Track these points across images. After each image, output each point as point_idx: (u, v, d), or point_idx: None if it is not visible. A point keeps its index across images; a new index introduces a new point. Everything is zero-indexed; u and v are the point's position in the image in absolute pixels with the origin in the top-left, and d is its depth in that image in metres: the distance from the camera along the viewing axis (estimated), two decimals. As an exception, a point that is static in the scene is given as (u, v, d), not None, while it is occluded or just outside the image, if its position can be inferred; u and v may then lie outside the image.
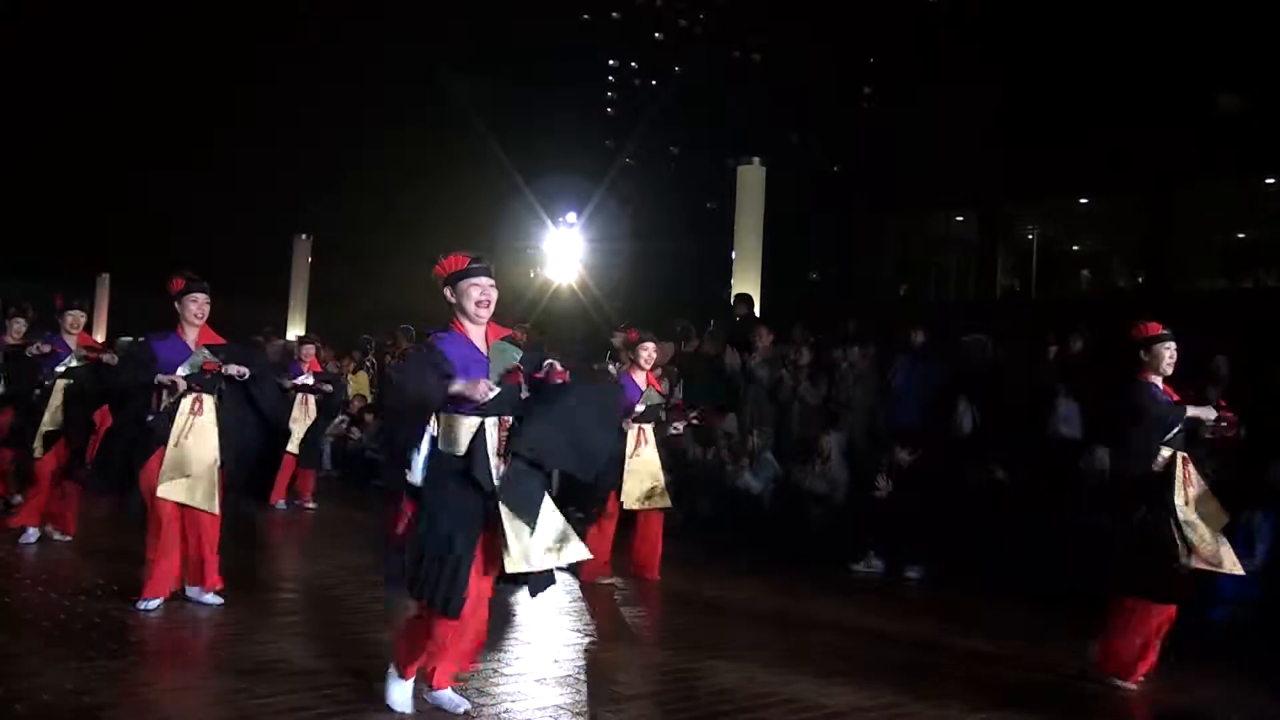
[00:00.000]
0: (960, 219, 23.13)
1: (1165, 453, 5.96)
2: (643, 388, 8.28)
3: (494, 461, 4.56)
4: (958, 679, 6.02)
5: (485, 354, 4.68)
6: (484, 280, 4.65)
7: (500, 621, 6.62)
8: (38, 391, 8.68)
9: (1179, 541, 5.79)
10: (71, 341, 8.72)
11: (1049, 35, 18.95)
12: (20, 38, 25.07)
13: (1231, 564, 5.89)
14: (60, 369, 8.62)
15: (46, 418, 8.54)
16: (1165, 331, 6.07)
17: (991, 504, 9.36)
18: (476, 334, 4.70)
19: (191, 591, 6.68)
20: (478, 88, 24.15)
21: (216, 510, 6.61)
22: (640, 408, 8.14)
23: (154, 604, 6.49)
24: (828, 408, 11.55)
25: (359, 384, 16.99)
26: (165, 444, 6.49)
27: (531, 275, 22.34)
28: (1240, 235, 19.70)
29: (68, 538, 8.58)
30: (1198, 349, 8.75)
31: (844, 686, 5.66)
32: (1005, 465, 9.59)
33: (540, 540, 4.57)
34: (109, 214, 26.66)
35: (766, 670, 5.91)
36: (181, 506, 6.56)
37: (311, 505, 11.73)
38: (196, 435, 6.56)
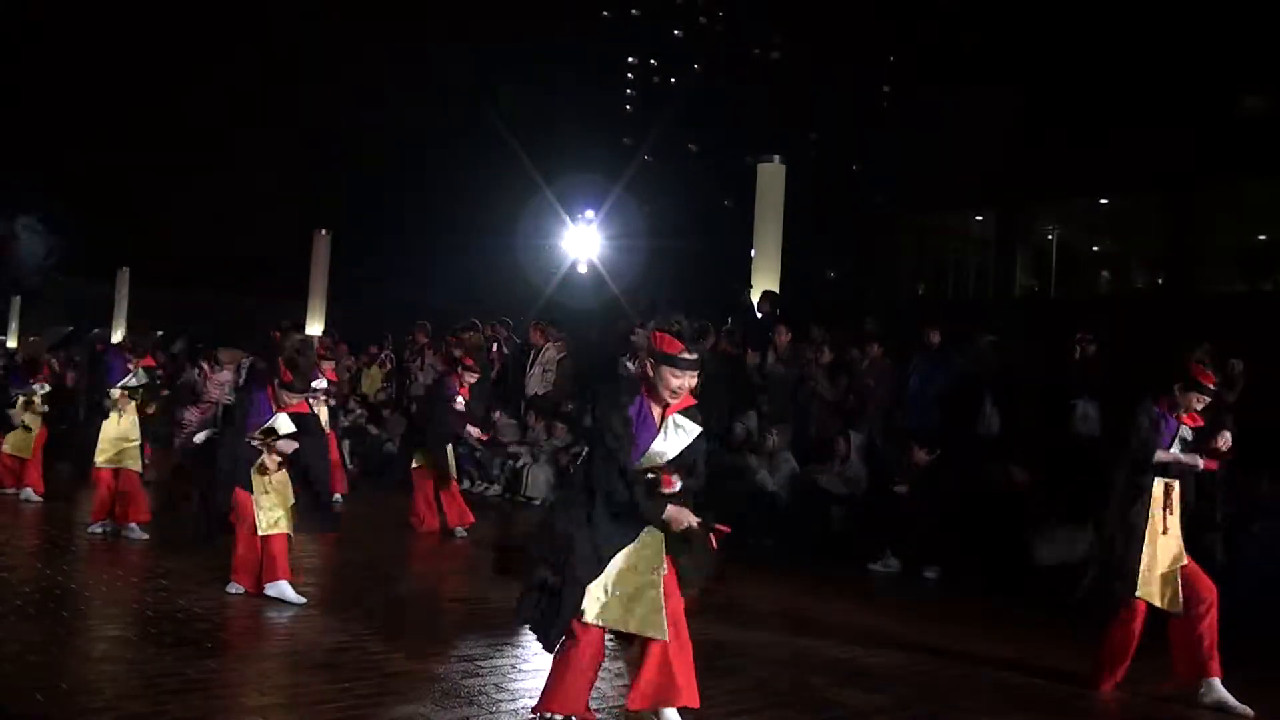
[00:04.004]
0: (980, 218, 23.06)
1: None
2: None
3: None
4: (973, 682, 6.02)
5: (658, 426, 4.59)
6: (688, 375, 4.56)
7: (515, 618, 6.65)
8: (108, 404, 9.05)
9: (1137, 565, 5.77)
10: (133, 365, 9.11)
11: (1070, 35, 18.88)
12: (28, 37, 25.19)
13: (1170, 601, 5.78)
14: (120, 386, 8.98)
15: (107, 432, 8.95)
16: (1211, 387, 5.93)
17: (1009, 505, 9.34)
18: (657, 410, 4.62)
19: (269, 589, 6.80)
20: (498, 87, 24.20)
21: (290, 530, 6.89)
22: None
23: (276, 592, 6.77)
24: (846, 406, 11.54)
25: (373, 379, 17.08)
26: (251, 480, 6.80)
27: (549, 272, 22.39)
28: (1261, 237, 19.60)
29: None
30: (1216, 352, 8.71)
31: (859, 687, 5.67)
32: (1024, 466, 9.57)
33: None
34: (131, 210, 26.79)
35: (782, 669, 5.92)
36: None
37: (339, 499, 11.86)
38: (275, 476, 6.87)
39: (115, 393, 8.95)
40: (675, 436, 4.59)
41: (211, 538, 7.01)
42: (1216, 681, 5.77)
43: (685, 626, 4.52)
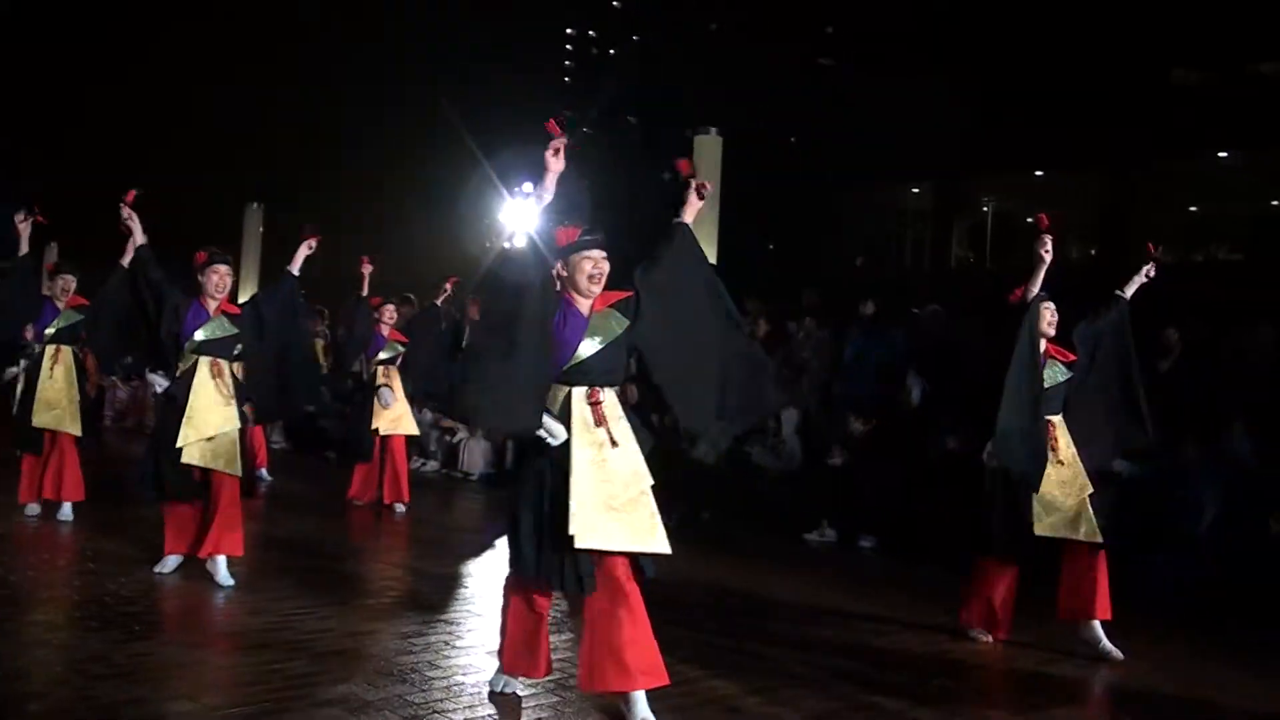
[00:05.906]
0: (916, 191, 23.20)
1: None
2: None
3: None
4: (912, 649, 6.07)
5: (587, 319, 4.52)
6: (596, 253, 4.53)
7: (451, 594, 6.62)
8: (24, 361, 8.57)
9: (1033, 506, 5.98)
10: (61, 306, 8.54)
11: (1008, 10, 18.96)
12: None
13: (1087, 533, 5.96)
14: (50, 331, 8.45)
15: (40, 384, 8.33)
16: (1041, 292, 6.26)
17: (945, 474, 9.41)
18: (584, 306, 4.55)
19: (212, 564, 6.59)
20: (435, 56, 23.92)
21: (238, 472, 6.58)
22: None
23: (169, 564, 6.68)
24: (781, 379, 11.57)
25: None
26: (183, 412, 6.49)
27: (486, 246, 22.19)
28: (1193, 209, 19.88)
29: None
30: (1151, 322, 8.83)
31: (800, 657, 5.69)
32: (959, 436, 9.63)
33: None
34: (59, 180, 26.21)
35: (722, 639, 5.94)
36: (202, 471, 6.55)
37: (267, 477, 11.66)
38: (216, 399, 6.54)
39: (50, 331, 8.40)
40: (604, 325, 4.53)
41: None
42: (1097, 624, 5.99)
43: None
